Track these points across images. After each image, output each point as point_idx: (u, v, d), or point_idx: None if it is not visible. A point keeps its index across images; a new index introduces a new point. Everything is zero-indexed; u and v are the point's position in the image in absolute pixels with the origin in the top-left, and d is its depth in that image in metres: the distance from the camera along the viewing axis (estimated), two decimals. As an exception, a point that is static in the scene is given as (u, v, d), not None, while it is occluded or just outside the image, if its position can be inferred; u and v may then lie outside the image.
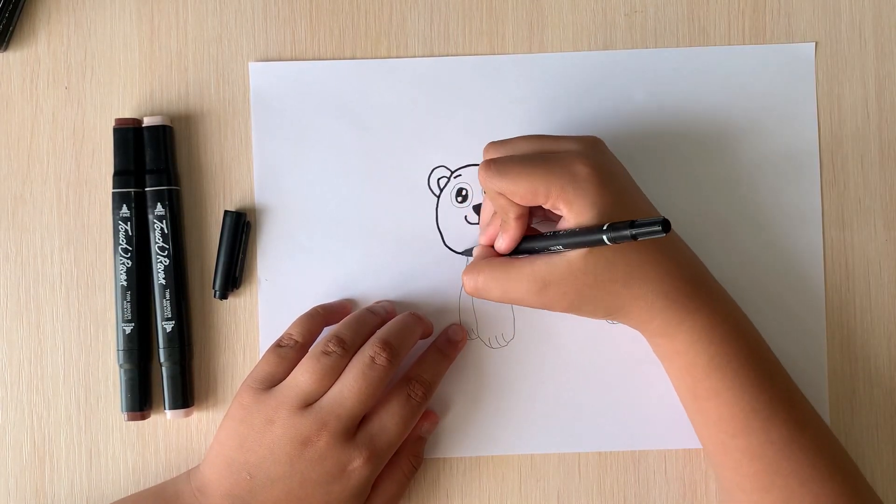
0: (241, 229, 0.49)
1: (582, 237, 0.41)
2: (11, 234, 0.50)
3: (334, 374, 0.45)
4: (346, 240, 0.50)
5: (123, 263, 0.49)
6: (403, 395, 0.46)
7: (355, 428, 0.45)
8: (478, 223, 0.50)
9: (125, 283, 0.49)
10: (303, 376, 0.45)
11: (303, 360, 0.45)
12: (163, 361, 0.49)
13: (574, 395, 0.50)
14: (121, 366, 0.49)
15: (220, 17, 0.51)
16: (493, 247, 0.46)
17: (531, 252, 0.45)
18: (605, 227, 0.40)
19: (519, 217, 0.44)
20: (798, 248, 0.50)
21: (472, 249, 0.49)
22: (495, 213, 0.46)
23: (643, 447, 0.50)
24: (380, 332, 0.46)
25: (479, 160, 0.50)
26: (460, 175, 0.50)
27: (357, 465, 0.44)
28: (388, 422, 0.45)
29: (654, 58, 0.51)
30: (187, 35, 0.51)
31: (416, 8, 0.51)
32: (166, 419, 0.50)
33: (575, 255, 0.42)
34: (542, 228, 0.47)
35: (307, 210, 0.50)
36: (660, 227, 0.37)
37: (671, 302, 0.44)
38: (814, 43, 0.51)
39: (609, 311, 0.45)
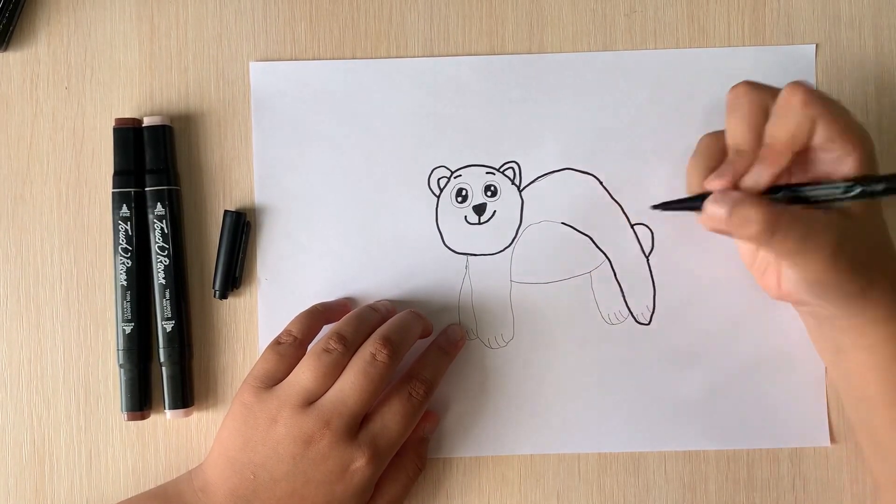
0: (240, 229, 0.49)
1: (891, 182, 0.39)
2: (11, 234, 0.50)
3: (336, 371, 0.45)
4: (346, 240, 0.50)
5: (123, 263, 0.49)
6: (404, 394, 0.46)
7: (357, 426, 0.45)
8: (477, 223, 0.50)
9: (125, 283, 0.49)
10: (304, 374, 0.45)
11: (304, 358, 0.45)
12: (163, 361, 0.49)
13: (574, 395, 0.50)
14: (121, 366, 0.49)
15: (220, 17, 0.51)
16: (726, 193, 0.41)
17: (797, 200, 0.41)
18: None
19: (796, 153, 0.41)
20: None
21: (679, 202, 0.45)
22: (738, 151, 0.42)
23: (643, 448, 0.50)
24: (380, 330, 0.46)
25: (479, 161, 0.50)
26: (460, 175, 0.50)
27: (359, 464, 0.44)
28: (390, 421, 0.45)
29: (654, 58, 0.51)
30: (187, 35, 0.51)
31: (415, 8, 0.51)
32: (166, 419, 0.50)
33: (861, 207, 0.41)
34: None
35: (307, 210, 0.50)
36: None
37: None
38: (814, 45, 0.51)
39: (863, 288, 0.42)
